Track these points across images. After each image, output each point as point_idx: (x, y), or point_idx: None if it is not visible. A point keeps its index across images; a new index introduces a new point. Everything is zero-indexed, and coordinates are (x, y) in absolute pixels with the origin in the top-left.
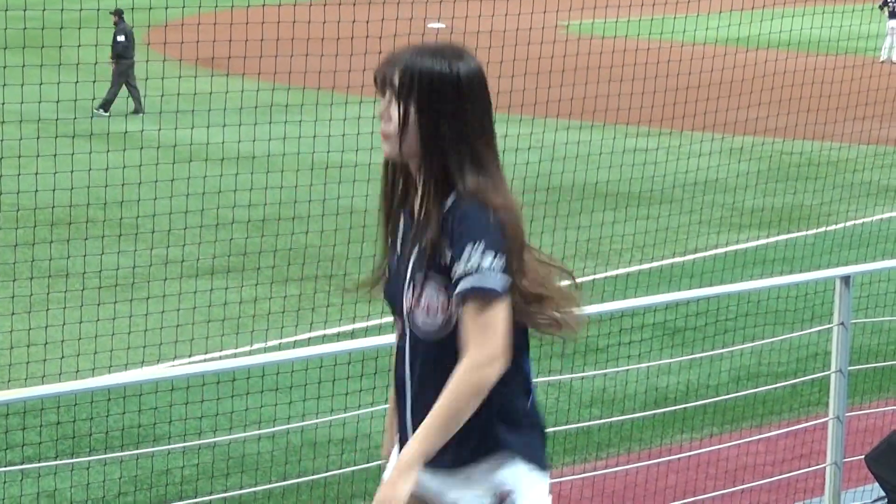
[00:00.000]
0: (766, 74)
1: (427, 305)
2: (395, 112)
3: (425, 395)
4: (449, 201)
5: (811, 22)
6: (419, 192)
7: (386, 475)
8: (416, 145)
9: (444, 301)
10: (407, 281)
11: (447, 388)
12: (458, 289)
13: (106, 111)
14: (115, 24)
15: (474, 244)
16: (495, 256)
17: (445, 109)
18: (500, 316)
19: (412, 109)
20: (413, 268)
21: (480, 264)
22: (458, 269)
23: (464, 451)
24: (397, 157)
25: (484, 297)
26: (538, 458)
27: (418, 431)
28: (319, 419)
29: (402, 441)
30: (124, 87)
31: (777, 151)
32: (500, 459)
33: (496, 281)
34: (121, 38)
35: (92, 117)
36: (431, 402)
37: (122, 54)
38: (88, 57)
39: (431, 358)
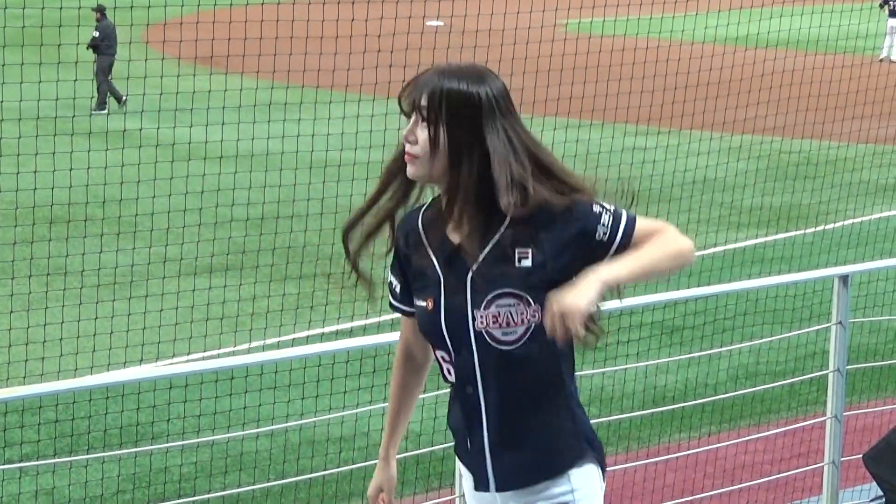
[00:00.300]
0: (764, 73)
1: (505, 321)
2: (422, 134)
3: (511, 410)
4: (510, 216)
5: (810, 21)
6: (460, 215)
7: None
8: (444, 167)
9: (522, 311)
10: (471, 304)
11: (651, 244)
12: (618, 241)
13: (103, 109)
14: (98, 20)
15: (592, 212)
16: (609, 204)
17: (477, 129)
18: (649, 221)
19: (442, 132)
20: (475, 289)
21: (611, 212)
22: (603, 231)
23: (562, 458)
24: (426, 179)
25: (633, 224)
26: (603, 464)
27: (619, 261)
28: (318, 417)
29: (476, 473)
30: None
31: (775, 150)
32: (583, 462)
33: (628, 213)
34: (95, 34)
35: (91, 116)
36: (520, 414)
37: (97, 49)
38: (87, 55)
39: (513, 367)
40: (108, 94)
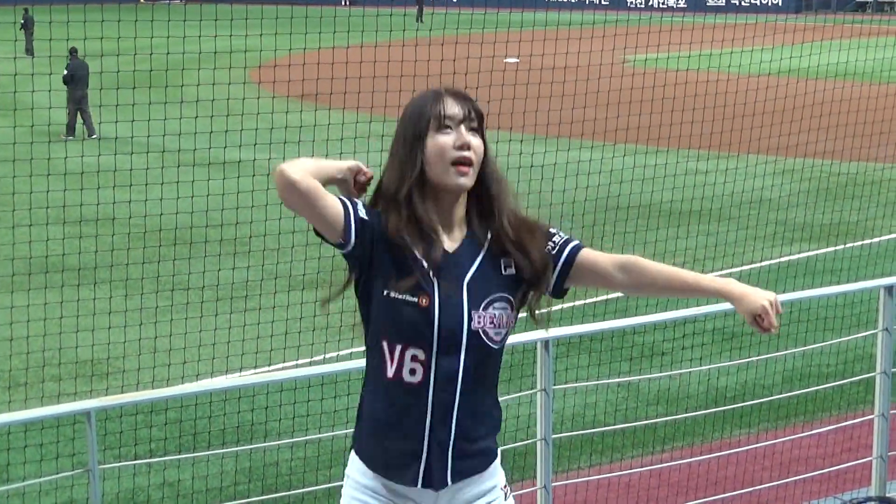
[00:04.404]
0: (814, 103)
1: (499, 322)
2: (475, 140)
3: (480, 403)
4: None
5: (856, 55)
6: (469, 217)
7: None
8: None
9: (509, 314)
10: (468, 305)
11: (665, 266)
12: (571, 247)
13: (69, 135)
14: (70, 59)
15: (549, 232)
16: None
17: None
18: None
19: (484, 142)
20: (472, 292)
21: (561, 235)
22: (559, 238)
23: (494, 448)
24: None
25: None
26: None
27: (699, 277)
28: None
29: (428, 470)
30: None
31: (824, 172)
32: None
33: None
34: (65, 72)
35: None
36: (484, 406)
37: (68, 83)
38: (205, 94)
39: (491, 363)
40: (82, 123)
